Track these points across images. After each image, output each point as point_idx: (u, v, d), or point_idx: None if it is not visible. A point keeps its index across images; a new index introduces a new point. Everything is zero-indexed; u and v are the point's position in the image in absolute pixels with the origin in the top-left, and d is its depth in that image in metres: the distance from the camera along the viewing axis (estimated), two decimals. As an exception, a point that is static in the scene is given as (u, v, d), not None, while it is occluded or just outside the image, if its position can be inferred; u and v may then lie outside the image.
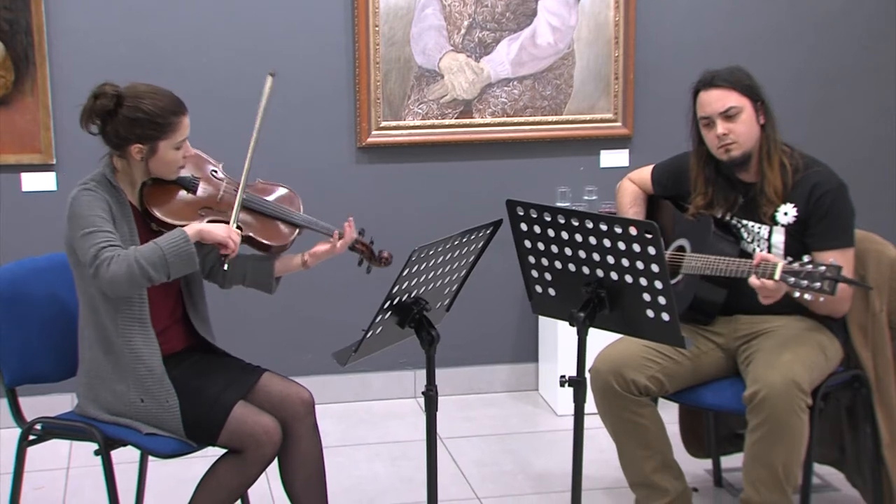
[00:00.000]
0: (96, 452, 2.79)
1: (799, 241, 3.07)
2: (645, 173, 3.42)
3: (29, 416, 2.92)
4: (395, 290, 2.47)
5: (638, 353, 3.08)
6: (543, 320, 4.43)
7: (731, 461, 3.55)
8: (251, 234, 2.88)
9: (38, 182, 4.04)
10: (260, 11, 4.12)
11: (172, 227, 2.80)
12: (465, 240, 2.60)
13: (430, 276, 2.56)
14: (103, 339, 2.80)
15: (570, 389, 2.65)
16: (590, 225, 2.56)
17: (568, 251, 2.64)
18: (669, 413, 3.30)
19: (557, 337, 4.21)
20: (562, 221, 2.61)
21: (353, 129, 4.26)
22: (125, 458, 2.98)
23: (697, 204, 3.20)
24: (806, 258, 2.83)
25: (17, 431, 2.91)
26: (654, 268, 2.51)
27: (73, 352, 2.91)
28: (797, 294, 2.81)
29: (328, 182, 4.22)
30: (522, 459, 3.89)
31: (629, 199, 3.41)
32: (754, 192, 3.13)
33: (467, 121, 4.31)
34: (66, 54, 3.98)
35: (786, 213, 3.09)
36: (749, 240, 3.15)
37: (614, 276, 2.58)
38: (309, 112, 4.22)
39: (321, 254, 2.97)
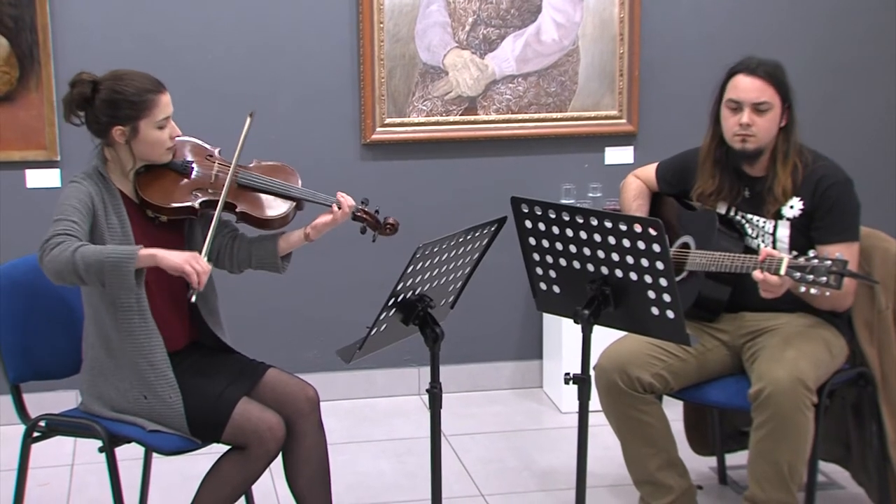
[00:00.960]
0: (100, 449, 2.79)
1: (804, 235, 3.07)
2: (650, 170, 3.41)
3: (33, 413, 2.93)
4: (399, 287, 2.46)
5: (643, 351, 3.08)
6: (548, 317, 4.43)
7: (736, 458, 3.55)
8: (249, 211, 2.87)
9: (42, 178, 4.05)
10: (265, 8, 4.12)
11: (165, 210, 2.81)
12: (469, 237, 2.60)
13: (434, 273, 2.56)
14: (103, 334, 2.80)
15: (575, 387, 2.65)
16: (594, 222, 2.56)
17: (572, 248, 2.63)
18: (674, 410, 3.30)
19: (562, 334, 4.20)
20: (566, 218, 2.61)
21: (358, 126, 4.25)
22: (129, 454, 2.98)
23: (704, 188, 3.18)
24: (811, 252, 2.82)
25: (22, 428, 2.91)
26: (659, 265, 2.51)
27: (78, 348, 2.91)
28: (803, 289, 2.80)
29: (333, 179, 4.18)
30: (527, 456, 3.89)
31: (633, 194, 3.41)
32: (760, 188, 3.12)
33: (472, 118, 4.31)
34: (71, 51, 3.98)
35: (791, 207, 3.09)
36: (753, 235, 3.14)
37: (619, 273, 2.58)
38: (313, 109, 4.22)
39: (322, 225, 2.93)
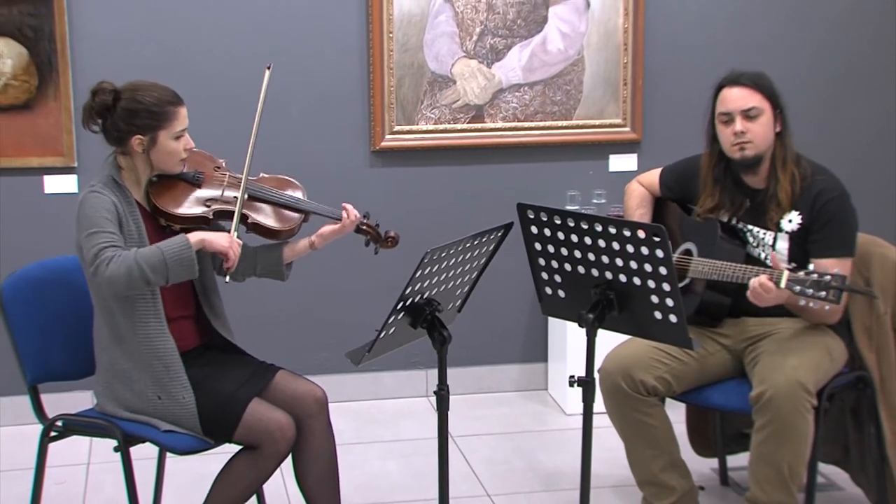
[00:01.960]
0: (116, 449, 2.80)
1: (802, 248, 3.07)
2: (653, 176, 3.41)
3: (50, 413, 2.94)
4: (407, 292, 2.47)
5: (646, 354, 3.08)
6: (553, 321, 4.43)
7: (738, 460, 3.55)
8: (259, 221, 2.90)
9: (60, 184, 4.07)
10: (278, 19, 4.14)
11: (180, 218, 2.83)
12: (476, 242, 2.60)
13: (442, 278, 2.56)
14: (119, 337, 2.81)
15: (579, 389, 2.64)
16: (599, 228, 2.56)
17: (577, 254, 2.64)
18: (676, 413, 3.30)
19: (567, 338, 4.21)
20: (571, 224, 2.61)
21: (367, 133, 4.26)
22: (144, 454, 2.99)
23: (705, 205, 3.19)
24: (811, 267, 2.83)
25: (39, 428, 2.92)
26: (662, 270, 2.51)
27: (93, 350, 2.92)
28: (802, 302, 2.80)
29: (342, 185, 4.22)
30: (532, 457, 3.89)
31: (636, 200, 3.41)
32: (762, 198, 3.12)
33: (479, 125, 4.32)
34: (88, 60, 3.99)
35: (790, 221, 3.08)
36: (754, 244, 3.14)
37: (623, 278, 2.58)
38: (324, 116, 4.23)
39: (328, 234, 2.98)
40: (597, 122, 4.38)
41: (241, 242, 2.82)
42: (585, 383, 2.64)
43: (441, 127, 4.29)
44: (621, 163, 4.43)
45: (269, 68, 2.98)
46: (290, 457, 2.86)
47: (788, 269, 2.83)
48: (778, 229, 3.10)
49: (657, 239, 2.48)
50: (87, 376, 2.99)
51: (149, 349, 2.78)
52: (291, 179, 3.04)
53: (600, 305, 2.61)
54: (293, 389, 2.90)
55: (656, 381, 3.07)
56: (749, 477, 3.01)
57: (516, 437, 4.07)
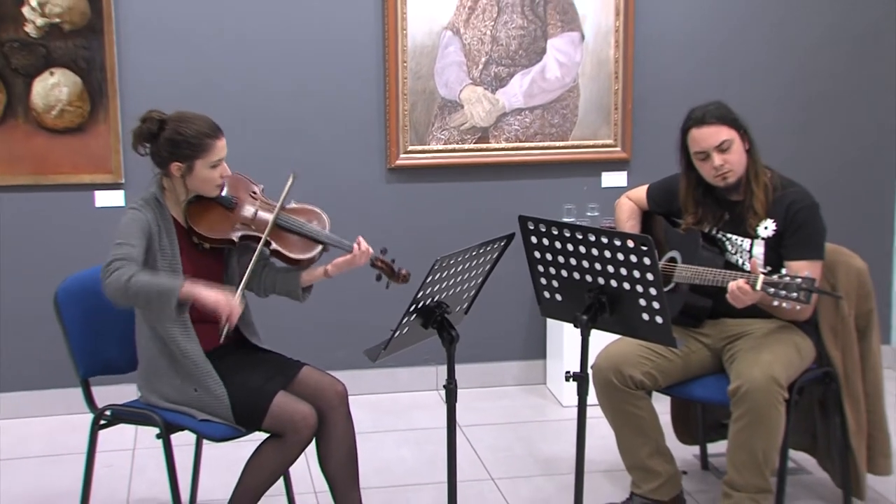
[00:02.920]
0: (158, 436, 2.81)
1: (777, 253, 3.06)
2: (641, 192, 3.41)
3: (100, 404, 2.95)
4: (419, 296, 2.47)
5: (634, 352, 3.07)
6: (551, 322, 4.42)
7: (717, 447, 3.53)
8: (282, 250, 2.88)
9: (109, 199, 4.08)
10: (305, 51, 4.15)
11: (209, 239, 2.82)
12: (482, 251, 2.60)
13: (450, 283, 2.56)
14: (155, 337, 2.81)
15: (575, 384, 2.63)
16: (592, 238, 2.56)
17: (573, 261, 2.63)
18: (662, 405, 3.29)
19: (563, 337, 4.20)
20: (567, 235, 2.61)
21: (384, 153, 4.27)
22: (183, 441, 2.99)
23: (688, 222, 3.19)
24: (783, 270, 2.82)
25: (90, 417, 2.94)
26: (649, 276, 2.50)
27: (136, 347, 2.92)
28: (776, 303, 2.79)
29: (362, 199, 4.23)
30: (532, 445, 3.88)
31: (626, 214, 3.41)
32: (740, 209, 3.12)
33: (484, 146, 4.32)
34: (135, 88, 4.01)
35: (766, 228, 3.08)
36: (733, 251, 3.14)
37: (614, 283, 2.57)
38: (345, 137, 4.24)
39: (341, 264, 2.93)
40: (590, 142, 4.38)
41: (244, 304, 2.73)
42: (580, 378, 2.63)
43: (450, 147, 4.29)
44: (612, 179, 4.42)
45: (293, 176, 2.91)
46: (314, 443, 2.86)
47: (763, 273, 2.82)
48: (755, 236, 3.09)
49: (645, 248, 2.48)
50: (132, 370, 2.99)
51: (178, 349, 2.79)
52: (317, 210, 2.98)
53: (593, 308, 2.61)
54: (317, 383, 2.90)
55: (644, 376, 3.07)
56: (727, 462, 3.00)
57: (517, 427, 4.07)
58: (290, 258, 2.89)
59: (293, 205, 2.97)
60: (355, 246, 2.91)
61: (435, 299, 2.54)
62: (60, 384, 4.06)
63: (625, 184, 4.36)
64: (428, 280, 2.45)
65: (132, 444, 3.82)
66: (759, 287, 2.80)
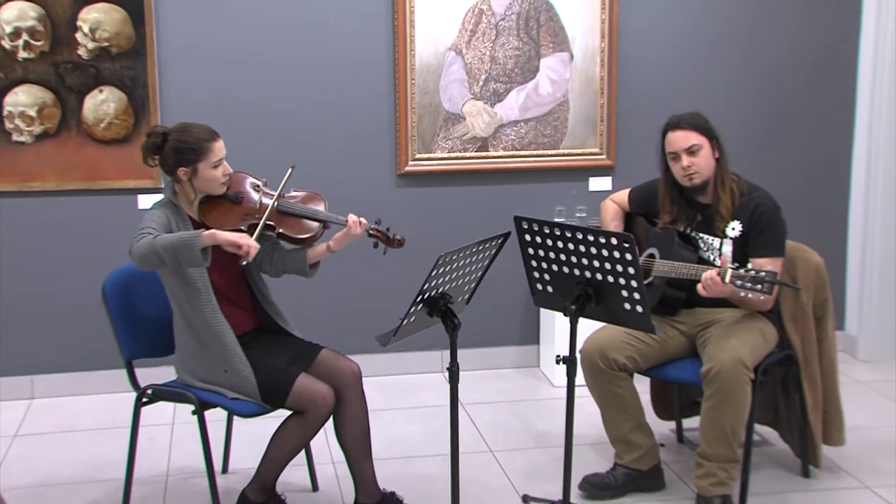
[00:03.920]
0: (193, 412, 2.82)
1: (743, 251, 3.06)
2: (623, 195, 3.41)
3: (143, 383, 2.96)
4: (425, 287, 2.47)
5: (618, 338, 3.07)
6: (544, 311, 4.42)
7: (691, 423, 3.52)
8: (286, 232, 2.87)
9: (150, 201, 4.01)
10: (326, 72, 4.13)
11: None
12: (481, 247, 2.60)
13: (453, 276, 2.57)
14: (188, 324, 2.82)
15: (565, 366, 2.64)
16: (580, 236, 2.56)
17: (563, 257, 2.63)
18: (642, 385, 3.29)
19: (555, 325, 4.19)
20: (558, 233, 2.61)
21: (394, 160, 4.27)
22: (216, 417, 3.00)
23: (665, 220, 3.19)
24: (749, 265, 2.82)
25: (133, 395, 2.95)
26: (630, 270, 2.51)
27: (173, 333, 2.93)
28: (742, 294, 2.79)
29: (373, 202, 4.22)
30: (526, 421, 3.88)
31: (611, 215, 3.40)
32: (710, 211, 3.12)
33: (484, 154, 4.31)
34: (173, 103, 4.01)
35: (733, 229, 3.08)
36: (705, 249, 3.14)
37: (599, 277, 2.58)
38: (359, 146, 4.24)
39: (341, 238, 2.90)
40: (579, 151, 4.37)
41: (256, 245, 2.68)
42: (569, 361, 2.64)
43: (453, 155, 4.29)
44: (599, 184, 4.41)
45: (292, 168, 2.92)
46: (331, 420, 2.86)
47: (732, 268, 2.82)
48: (724, 236, 3.09)
49: (626, 245, 2.48)
50: (170, 354, 3.00)
51: (209, 333, 2.79)
52: (317, 194, 2.97)
53: (581, 298, 2.61)
54: (334, 365, 2.91)
55: (626, 360, 3.07)
56: (700, 436, 3.00)
57: (514, 405, 4.06)
58: (294, 238, 2.89)
59: (293, 193, 2.97)
60: (349, 221, 2.87)
61: (439, 291, 2.55)
62: (107, 366, 4.06)
63: (609, 188, 4.35)
64: (433, 274, 2.45)
65: (171, 420, 3.83)
66: (727, 280, 2.80)
